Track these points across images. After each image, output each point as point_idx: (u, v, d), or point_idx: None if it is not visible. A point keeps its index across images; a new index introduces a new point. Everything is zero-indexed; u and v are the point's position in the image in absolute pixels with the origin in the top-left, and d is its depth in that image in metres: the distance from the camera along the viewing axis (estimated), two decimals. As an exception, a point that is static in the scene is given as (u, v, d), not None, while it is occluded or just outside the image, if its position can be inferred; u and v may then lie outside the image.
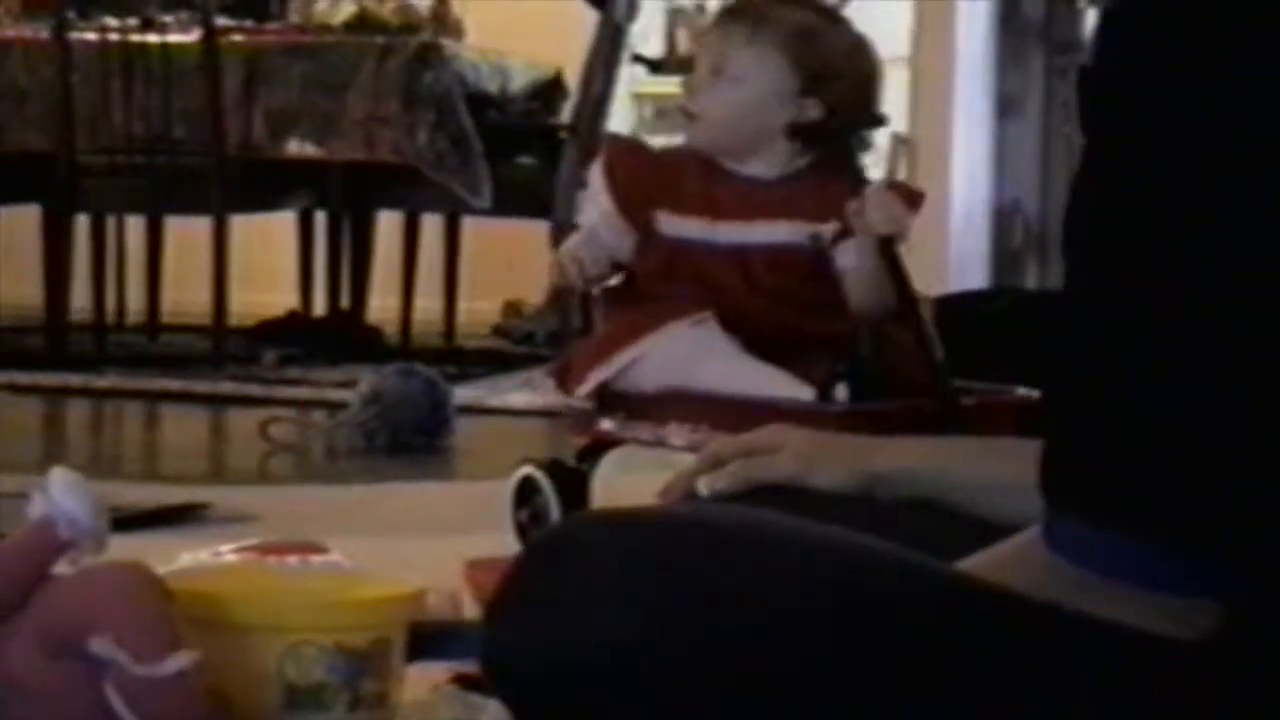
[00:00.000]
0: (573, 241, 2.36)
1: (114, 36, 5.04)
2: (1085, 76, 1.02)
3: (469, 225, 5.65)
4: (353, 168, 5.22)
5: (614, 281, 2.36)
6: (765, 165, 2.32)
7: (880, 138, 3.24)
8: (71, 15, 5.05)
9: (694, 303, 2.25)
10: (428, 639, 1.48)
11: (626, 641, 1.02)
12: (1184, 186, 0.97)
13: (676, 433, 2.22)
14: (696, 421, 2.20)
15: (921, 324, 2.20)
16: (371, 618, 1.39)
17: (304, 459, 3.61)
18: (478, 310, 6.02)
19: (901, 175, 6.16)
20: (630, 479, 2.20)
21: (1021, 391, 2.19)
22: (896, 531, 1.14)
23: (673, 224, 2.30)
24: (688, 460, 1.76)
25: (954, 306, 2.32)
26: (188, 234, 5.56)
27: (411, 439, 3.61)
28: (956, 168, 6.76)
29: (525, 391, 4.46)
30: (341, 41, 5.15)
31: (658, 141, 3.08)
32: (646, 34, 6.26)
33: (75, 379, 4.68)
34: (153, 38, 5.03)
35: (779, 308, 2.26)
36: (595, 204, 2.34)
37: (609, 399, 2.29)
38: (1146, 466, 0.97)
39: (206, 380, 4.70)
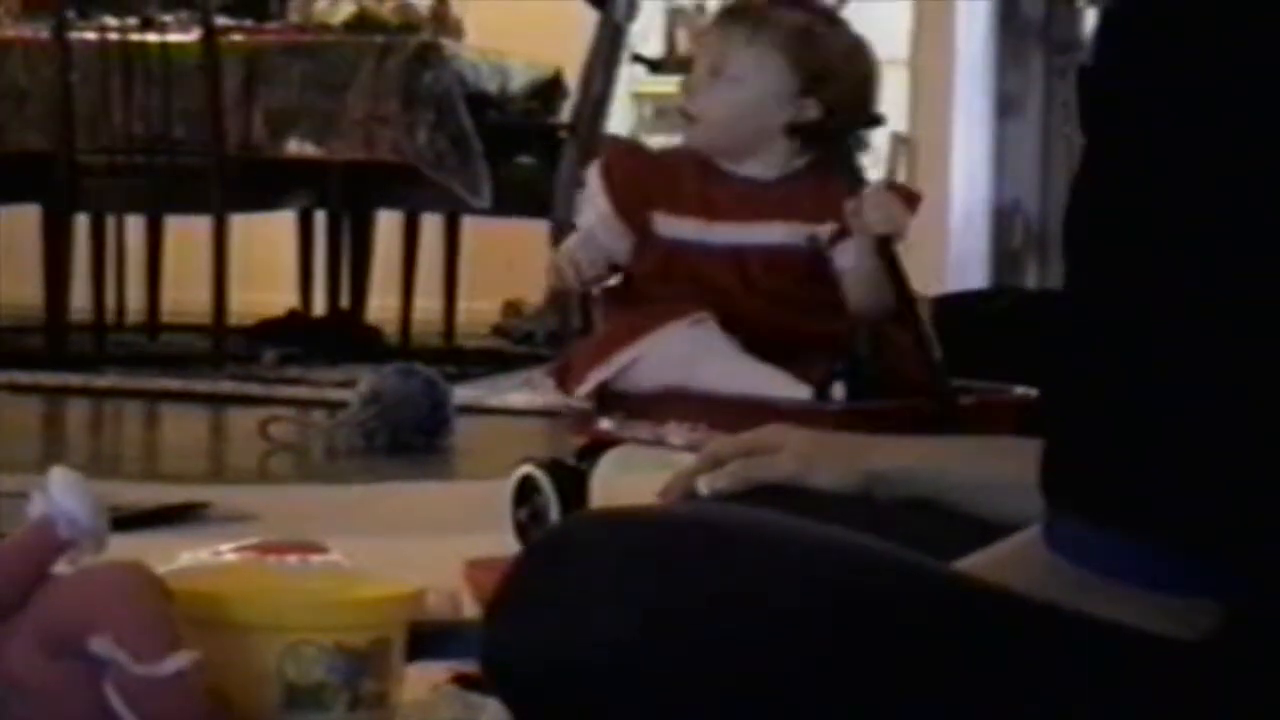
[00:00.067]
0: (570, 243, 2.37)
1: (114, 36, 5.03)
2: (1085, 76, 1.02)
3: (469, 225, 5.65)
4: (352, 167, 5.21)
5: (612, 282, 2.36)
6: (763, 166, 2.32)
7: (880, 138, 3.23)
8: (71, 15, 5.04)
9: (691, 303, 2.26)
10: (428, 639, 1.48)
11: (626, 641, 1.02)
12: (1184, 186, 0.97)
13: (675, 432, 2.22)
14: (695, 421, 2.20)
15: (919, 324, 2.20)
16: (371, 617, 1.39)
17: (304, 459, 3.60)
18: (477, 310, 6.02)
19: (901, 175, 6.16)
20: (629, 478, 2.20)
21: (1020, 391, 2.19)
22: (895, 531, 1.14)
23: (669, 225, 2.30)
24: (687, 460, 1.76)
25: (954, 306, 2.32)
26: (188, 234, 5.56)
27: (411, 439, 3.61)
28: (956, 168, 6.76)
29: (525, 391, 4.46)
30: (341, 41, 5.15)
31: (657, 141, 3.08)
32: (646, 34, 6.24)
33: (75, 379, 4.67)
34: (152, 37, 5.03)
35: (776, 308, 2.26)
36: (593, 206, 2.34)
37: (608, 399, 2.29)
38: (1146, 466, 0.97)
39: (206, 380, 4.70)
